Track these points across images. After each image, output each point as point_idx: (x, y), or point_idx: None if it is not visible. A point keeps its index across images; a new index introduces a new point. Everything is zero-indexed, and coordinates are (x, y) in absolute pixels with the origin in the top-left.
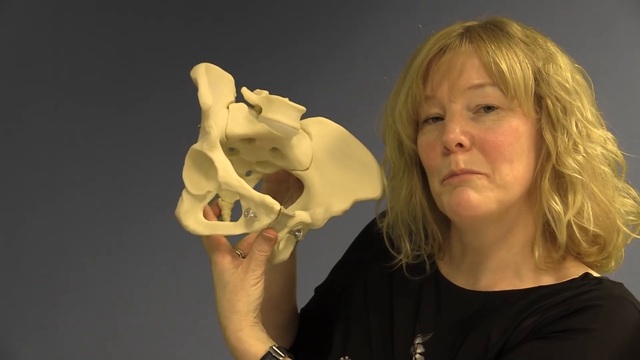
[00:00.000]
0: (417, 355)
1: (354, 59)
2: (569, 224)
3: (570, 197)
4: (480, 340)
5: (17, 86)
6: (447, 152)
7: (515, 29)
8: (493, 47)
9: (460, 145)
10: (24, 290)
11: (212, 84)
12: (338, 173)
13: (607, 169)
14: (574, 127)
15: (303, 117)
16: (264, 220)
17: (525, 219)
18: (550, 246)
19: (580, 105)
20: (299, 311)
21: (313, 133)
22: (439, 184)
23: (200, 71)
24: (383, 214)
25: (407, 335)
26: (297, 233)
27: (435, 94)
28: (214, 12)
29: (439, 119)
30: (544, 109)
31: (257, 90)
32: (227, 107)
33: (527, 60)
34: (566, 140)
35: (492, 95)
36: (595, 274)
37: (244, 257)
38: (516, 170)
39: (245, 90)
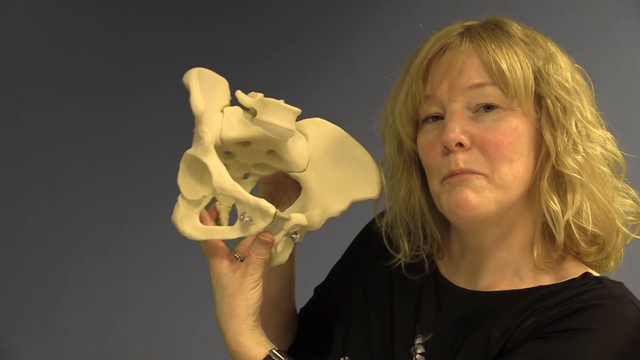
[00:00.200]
0: (418, 356)
1: (354, 59)
2: (567, 224)
3: (569, 197)
4: (480, 340)
5: (17, 86)
6: (446, 151)
7: (516, 28)
8: (493, 47)
9: (460, 144)
10: (24, 290)
11: (206, 88)
12: (335, 173)
13: (606, 169)
14: (574, 127)
15: (299, 118)
16: (260, 224)
17: (524, 218)
18: (550, 246)
19: (580, 105)
20: (298, 311)
21: (309, 134)
22: (438, 183)
23: (192, 76)
24: (382, 214)
25: (407, 335)
26: (294, 235)
27: (435, 94)
28: (214, 12)
29: (438, 118)
30: (544, 108)
31: (252, 93)
32: (222, 111)
33: (527, 60)
34: (566, 140)
35: (492, 94)
36: (596, 274)
37: (242, 260)
38: (515, 170)
39: (239, 93)
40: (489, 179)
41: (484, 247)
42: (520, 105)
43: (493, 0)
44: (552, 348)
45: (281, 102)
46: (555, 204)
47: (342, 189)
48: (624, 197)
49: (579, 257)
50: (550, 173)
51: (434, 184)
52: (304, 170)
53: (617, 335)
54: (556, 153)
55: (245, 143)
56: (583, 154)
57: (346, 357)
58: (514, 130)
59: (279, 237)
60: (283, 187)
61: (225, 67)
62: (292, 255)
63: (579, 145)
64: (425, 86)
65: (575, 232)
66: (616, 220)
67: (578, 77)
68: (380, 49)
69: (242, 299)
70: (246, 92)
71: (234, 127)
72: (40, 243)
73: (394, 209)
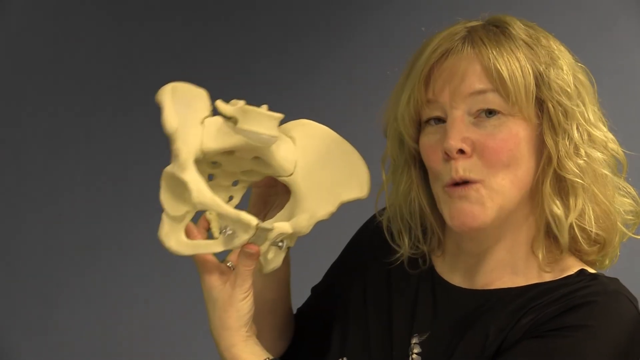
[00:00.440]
0: (414, 355)
1: (354, 59)
2: (570, 227)
3: (571, 201)
4: (477, 339)
5: (17, 86)
6: (447, 157)
7: (518, 28)
8: (495, 53)
9: (461, 151)
10: (24, 290)
11: (183, 102)
12: (324, 174)
13: (607, 172)
14: (575, 131)
15: (284, 120)
16: (243, 237)
17: (526, 221)
18: (551, 245)
19: (582, 109)
20: (294, 312)
21: (296, 136)
22: (441, 189)
23: (164, 94)
24: (384, 210)
25: (405, 335)
26: (280, 244)
27: (437, 99)
28: (215, 12)
29: (440, 120)
30: (545, 113)
31: (233, 101)
32: (203, 123)
33: (528, 65)
34: (567, 144)
35: (493, 101)
36: (591, 270)
37: (234, 269)
38: (513, 175)
39: (219, 103)
40: (486, 185)
41: (481, 248)
42: (521, 111)
43: (494, 0)
44: (549, 346)
45: (263, 108)
46: (558, 208)
47: (331, 190)
48: (623, 196)
49: (578, 254)
50: (552, 177)
51: (437, 188)
52: (292, 174)
53: (613, 332)
54: (558, 157)
55: (229, 152)
56: (585, 158)
57: (344, 358)
58: (514, 136)
59: (264, 247)
60: (274, 190)
61: (225, 67)
62: (286, 258)
63: (580, 149)
64: (427, 91)
65: (578, 234)
66: (617, 221)
67: (580, 76)
68: (381, 49)
69: (233, 311)
70: (244, 95)
71: (214, 138)
72: (40, 243)
73: (395, 204)
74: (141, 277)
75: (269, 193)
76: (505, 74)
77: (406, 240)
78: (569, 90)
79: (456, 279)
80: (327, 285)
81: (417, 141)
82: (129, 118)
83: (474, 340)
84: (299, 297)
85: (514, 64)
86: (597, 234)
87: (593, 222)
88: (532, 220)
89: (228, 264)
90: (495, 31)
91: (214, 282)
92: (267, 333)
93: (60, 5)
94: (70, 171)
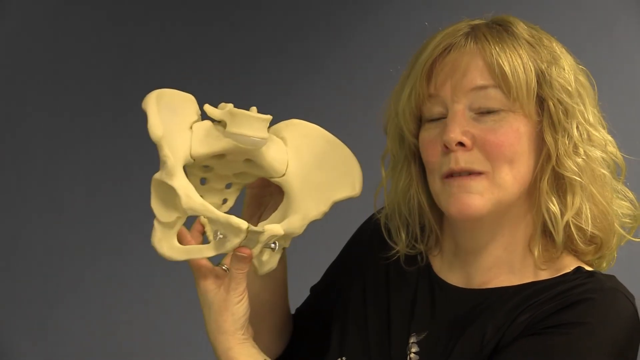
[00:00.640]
0: (412, 355)
1: (354, 59)
2: (567, 225)
3: (569, 199)
4: (475, 338)
5: (17, 87)
6: (447, 150)
7: (521, 28)
8: (497, 49)
9: (461, 144)
10: (24, 290)
11: (171, 108)
12: (316, 174)
13: (606, 172)
14: (575, 130)
15: (273, 122)
16: (234, 241)
17: (524, 218)
18: (548, 244)
19: (582, 108)
20: (293, 312)
21: (287, 137)
22: (439, 181)
23: (149, 101)
24: (382, 209)
25: (403, 334)
26: (272, 245)
27: (438, 93)
28: (215, 12)
29: (441, 118)
30: (546, 111)
31: (222, 104)
32: (191, 128)
33: (530, 62)
34: (567, 142)
35: (494, 96)
36: (588, 268)
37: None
38: (516, 171)
39: (207, 107)
40: (489, 178)
41: (479, 244)
42: (522, 108)
43: (495, 0)
44: (547, 344)
45: (251, 110)
46: (555, 205)
47: (323, 189)
48: (621, 199)
49: (574, 254)
50: (550, 175)
51: (434, 181)
52: (284, 174)
53: (610, 329)
54: (557, 155)
55: (220, 156)
56: (583, 157)
57: (343, 357)
58: (515, 132)
59: (257, 250)
60: (269, 191)
61: (225, 67)
62: (283, 258)
63: (579, 148)
64: (429, 85)
65: (574, 232)
66: (614, 222)
67: (581, 78)
68: (381, 49)
69: (228, 314)
70: (243, 95)
71: (203, 142)
72: (40, 243)
73: (393, 201)
74: (141, 277)
75: (263, 194)
76: (507, 69)
77: (403, 236)
78: (570, 89)
79: (454, 279)
80: (326, 284)
81: (417, 137)
82: (129, 118)
83: (471, 339)
84: (298, 297)
85: (516, 61)
86: (593, 234)
87: (590, 221)
88: (530, 218)
89: (223, 267)
90: (498, 29)
91: (209, 286)
92: (266, 334)
93: (60, 5)
94: (71, 171)
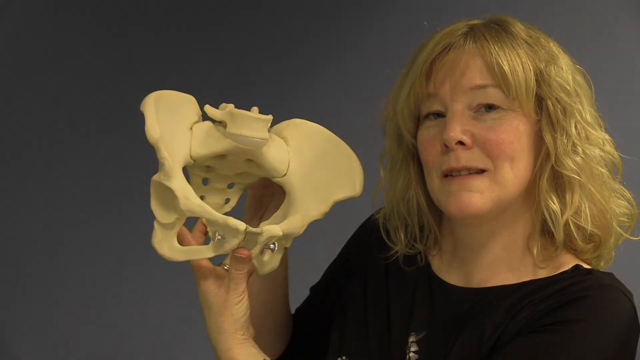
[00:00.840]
0: (411, 354)
1: (354, 59)
2: (566, 223)
3: (568, 197)
4: (474, 336)
5: (17, 86)
6: (446, 149)
7: (519, 28)
8: (496, 48)
9: (461, 143)
10: (24, 290)
11: (170, 109)
12: (317, 174)
13: (604, 170)
14: (573, 129)
15: (275, 122)
16: (232, 242)
17: (522, 217)
18: (547, 242)
19: (580, 107)
20: (293, 312)
21: (289, 136)
22: (438, 179)
23: (147, 103)
24: (382, 209)
25: (402, 333)
26: (271, 246)
27: (437, 92)
28: (215, 12)
29: (440, 115)
30: (545, 110)
31: (222, 105)
32: (191, 128)
33: (529, 62)
34: (565, 141)
35: (493, 95)
36: (586, 266)
37: None
38: (516, 169)
39: (208, 108)
40: (490, 176)
41: (478, 243)
42: (521, 107)
43: (494, 0)
44: (545, 341)
45: (252, 111)
46: (555, 204)
47: (324, 189)
48: (618, 198)
49: (573, 252)
50: (549, 173)
51: (433, 180)
52: (285, 174)
53: (609, 326)
54: (556, 154)
55: (221, 156)
56: (582, 155)
57: (343, 357)
58: (515, 130)
59: (256, 251)
60: (270, 191)
61: (226, 67)
62: (283, 258)
63: (578, 147)
64: (428, 84)
65: (574, 231)
66: (612, 221)
67: (579, 78)
68: (380, 49)
69: (228, 315)
70: (243, 95)
71: (204, 143)
72: (40, 243)
73: (392, 201)
74: (141, 278)
75: (264, 194)
76: (506, 68)
77: (402, 237)
78: (568, 88)
79: (453, 278)
80: (326, 284)
81: (415, 136)
82: (130, 119)
83: (470, 337)
84: (298, 297)
85: (515, 60)
86: (592, 232)
87: (589, 220)
88: (528, 217)
89: (225, 267)
90: (496, 28)
91: (209, 287)
92: (266, 334)
93: (60, 5)
94: (71, 171)
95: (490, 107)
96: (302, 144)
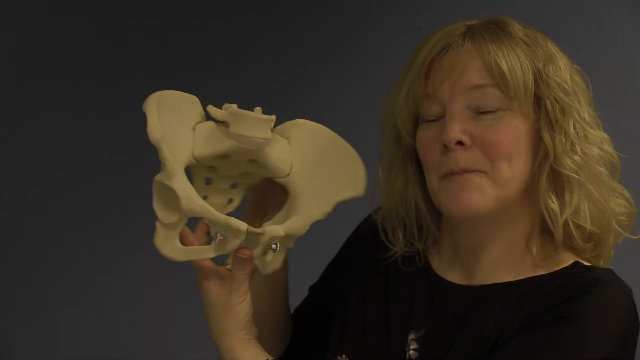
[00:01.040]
0: (411, 352)
1: (354, 59)
2: (565, 222)
3: (567, 196)
4: (474, 334)
5: (17, 87)
6: (446, 150)
7: (517, 28)
8: (495, 48)
9: (460, 143)
10: (24, 290)
11: (171, 110)
12: (320, 174)
13: (603, 170)
14: (572, 128)
15: (278, 122)
16: (234, 242)
17: (522, 216)
18: (546, 241)
19: (578, 106)
20: (292, 312)
21: (292, 137)
22: (437, 180)
23: (149, 103)
24: (380, 209)
25: (402, 332)
26: (273, 246)
27: (436, 93)
28: (215, 12)
29: (439, 117)
30: (543, 109)
31: (226, 105)
32: (194, 129)
33: (527, 62)
34: (564, 140)
35: (492, 95)
36: (586, 263)
37: None
38: (515, 168)
39: (210, 108)
40: (489, 176)
41: (478, 243)
42: (520, 106)
43: (493, 0)
44: (546, 337)
45: (255, 111)
46: (554, 203)
47: (327, 189)
48: (617, 197)
49: (572, 251)
50: (548, 172)
51: (432, 181)
52: (288, 174)
53: (609, 322)
54: (554, 153)
55: (223, 156)
56: (581, 155)
57: (343, 355)
58: (514, 129)
59: (257, 251)
60: (271, 192)
61: (225, 67)
62: (284, 259)
63: (576, 146)
64: (426, 85)
65: (573, 230)
66: (612, 219)
67: (577, 78)
68: (380, 49)
69: (230, 315)
70: (243, 95)
71: (206, 143)
72: (40, 243)
73: (390, 202)
74: (141, 277)
75: (264, 195)
76: (505, 68)
77: (400, 237)
78: (566, 87)
79: (453, 276)
80: (325, 283)
81: (413, 137)
82: (132, 119)
83: (471, 335)
84: (298, 297)
85: (513, 59)
86: (591, 231)
87: (588, 219)
88: (527, 217)
89: (228, 267)
90: (494, 29)
91: (211, 287)
92: (266, 334)
93: (60, 5)
94: (72, 171)
95: (489, 108)
96: (305, 145)
